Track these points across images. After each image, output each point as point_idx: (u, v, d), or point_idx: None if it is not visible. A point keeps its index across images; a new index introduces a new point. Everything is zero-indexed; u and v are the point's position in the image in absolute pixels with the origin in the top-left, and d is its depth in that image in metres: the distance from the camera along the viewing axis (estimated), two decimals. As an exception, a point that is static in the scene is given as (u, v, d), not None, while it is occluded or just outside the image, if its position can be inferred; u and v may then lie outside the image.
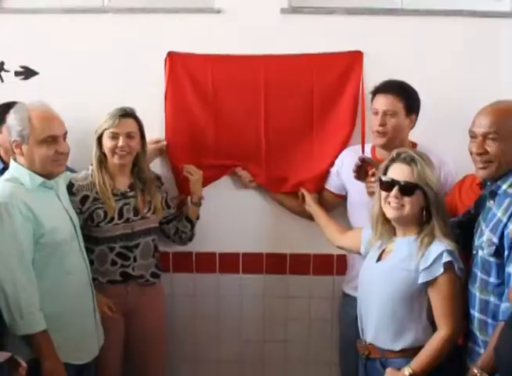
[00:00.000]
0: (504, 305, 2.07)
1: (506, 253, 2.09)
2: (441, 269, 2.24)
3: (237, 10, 3.10)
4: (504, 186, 2.18)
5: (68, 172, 2.82)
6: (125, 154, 2.81)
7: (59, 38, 3.12)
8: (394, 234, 2.43)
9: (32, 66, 3.13)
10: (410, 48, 3.10)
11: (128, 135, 2.81)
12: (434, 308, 2.29)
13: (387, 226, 2.43)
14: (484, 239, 2.18)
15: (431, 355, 2.26)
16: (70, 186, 2.79)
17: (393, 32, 3.10)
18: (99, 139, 2.83)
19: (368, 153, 2.93)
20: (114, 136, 2.79)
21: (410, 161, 2.33)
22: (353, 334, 2.61)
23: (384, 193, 2.37)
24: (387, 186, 2.35)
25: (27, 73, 3.12)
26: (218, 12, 3.11)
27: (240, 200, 3.23)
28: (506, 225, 2.10)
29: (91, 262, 2.80)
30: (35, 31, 3.12)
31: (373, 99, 2.88)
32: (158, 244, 3.02)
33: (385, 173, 2.39)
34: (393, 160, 2.39)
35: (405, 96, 2.80)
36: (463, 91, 3.07)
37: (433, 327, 2.32)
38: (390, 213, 2.36)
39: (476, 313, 2.21)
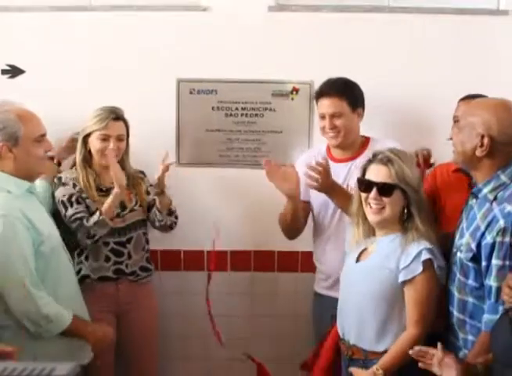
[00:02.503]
0: (487, 317, 2.05)
1: (484, 264, 2.07)
2: (420, 268, 2.22)
3: (224, 8, 3.11)
4: (485, 190, 2.13)
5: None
6: (113, 156, 2.80)
7: (45, 36, 3.12)
8: (374, 234, 2.41)
9: (19, 65, 3.12)
10: (398, 45, 3.10)
11: (118, 138, 2.83)
12: (407, 305, 2.27)
13: (366, 226, 2.41)
14: (464, 242, 2.15)
15: (398, 355, 2.24)
16: (58, 179, 2.82)
17: (380, 29, 3.11)
18: (85, 138, 2.83)
19: (323, 153, 2.93)
20: (105, 138, 2.80)
21: (387, 162, 2.30)
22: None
23: (363, 195, 2.36)
24: (366, 187, 2.34)
25: (14, 71, 3.11)
26: (205, 9, 3.11)
27: (228, 199, 3.24)
28: (483, 234, 2.07)
29: (86, 258, 2.82)
30: (22, 29, 3.12)
31: (317, 102, 2.88)
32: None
33: (363, 174, 2.37)
34: (370, 162, 2.37)
35: (347, 94, 2.81)
36: (452, 87, 3.06)
37: None
38: (371, 217, 2.35)
39: (455, 312, 2.20)
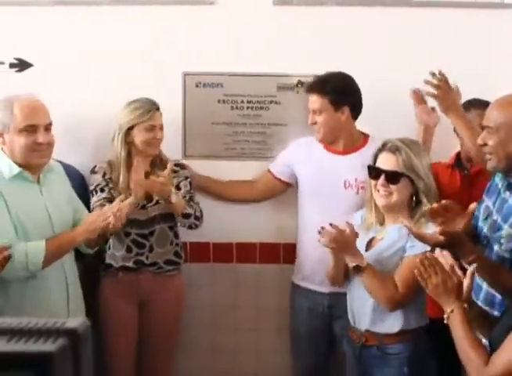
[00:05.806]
0: None
1: None
2: (429, 247, 2.23)
3: (230, 2, 3.12)
4: None
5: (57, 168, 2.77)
6: (158, 145, 2.91)
7: (50, 31, 3.14)
8: (382, 223, 2.48)
9: (27, 59, 3.14)
10: (402, 39, 3.12)
11: (161, 128, 2.91)
12: (399, 272, 2.35)
13: (378, 212, 2.50)
14: (504, 234, 2.09)
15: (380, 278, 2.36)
16: (93, 167, 2.93)
17: (384, 23, 3.12)
18: (127, 132, 2.85)
19: (321, 147, 2.98)
20: (151, 129, 2.86)
21: (395, 150, 2.39)
22: (304, 324, 2.78)
23: (373, 182, 2.45)
24: (375, 174, 2.44)
25: (22, 65, 3.14)
26: (211, 3, 3.13)
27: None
28: None
29: (109, 248, 2.88)
30: (28, 23, 3.14)
31: None
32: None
33: (374, 162, 2.46)
34: (380, 150, 2.46)
35: (329, 92, 2.83)
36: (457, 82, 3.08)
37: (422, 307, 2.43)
38: (379, 201, 2.44)
39: (479, 304, 2.12)
